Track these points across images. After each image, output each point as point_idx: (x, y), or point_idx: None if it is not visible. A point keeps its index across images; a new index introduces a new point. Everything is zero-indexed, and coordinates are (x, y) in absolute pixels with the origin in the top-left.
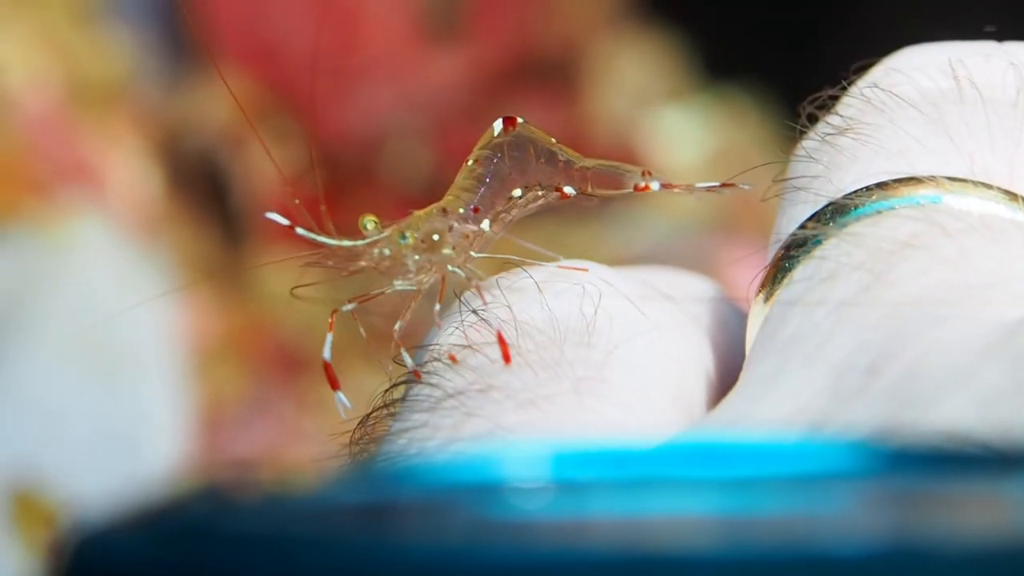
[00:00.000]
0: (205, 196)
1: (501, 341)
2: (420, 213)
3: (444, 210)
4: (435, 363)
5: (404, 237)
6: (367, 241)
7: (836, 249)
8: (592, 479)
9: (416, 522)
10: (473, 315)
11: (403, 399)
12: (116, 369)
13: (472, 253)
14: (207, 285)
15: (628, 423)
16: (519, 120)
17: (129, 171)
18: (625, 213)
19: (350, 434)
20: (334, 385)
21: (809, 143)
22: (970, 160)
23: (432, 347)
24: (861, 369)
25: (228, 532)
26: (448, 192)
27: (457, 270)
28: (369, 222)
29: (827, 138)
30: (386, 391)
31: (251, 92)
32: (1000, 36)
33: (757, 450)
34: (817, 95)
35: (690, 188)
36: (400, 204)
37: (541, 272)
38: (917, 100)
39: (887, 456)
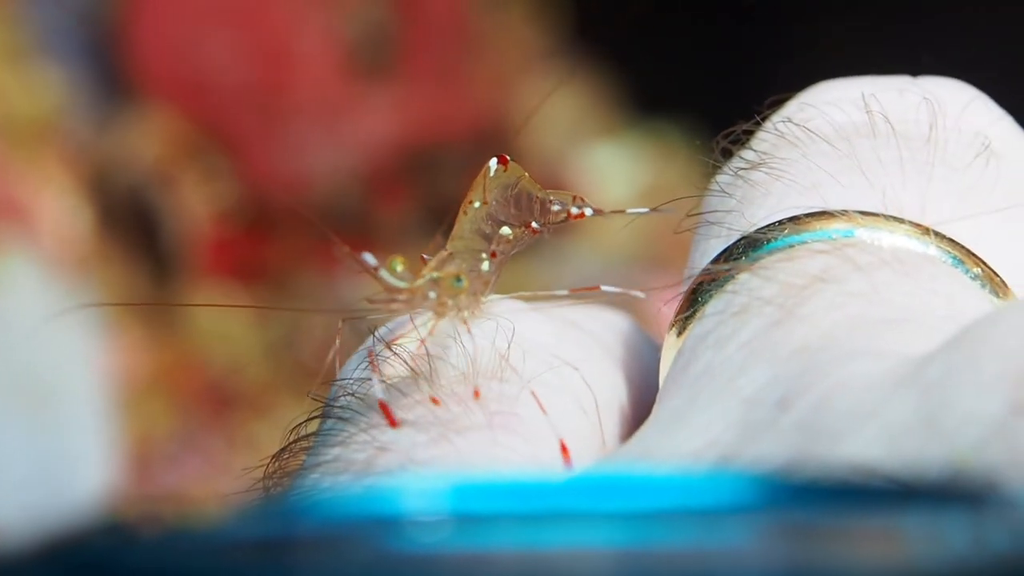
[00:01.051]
0: (135, 233)
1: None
2: (444, 255)
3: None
4: (348, 397)
5: (459, 280)
6: (423, 281)
7: (748, 284)
8: (492, 512)
9: (316, 555)
10: (387, 350)
11: (317, 433)
12: (44, 406)
13: (483, 297)
14: (137, 322)
15: (541, 457)
16: (508, 158)
17: (59, 208)
18: (554, 246)
19: (263, 468)
20: (393, 424)
21: (723, 178)
22: (882, 194)
23: (344, 382)
24: (771, 403)
25: (128, 566)
26: (457, 233)
27: (470, 313)
28: (398, 264)
29: (740, 173)
30: (298, 425)
31: (181, 129)
32: (916, 71)
33: (657, 483)
34: (731, 130)
35: (621, 212)
36: (328, 244)
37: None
38: (830, 135)
39: (786, 490)
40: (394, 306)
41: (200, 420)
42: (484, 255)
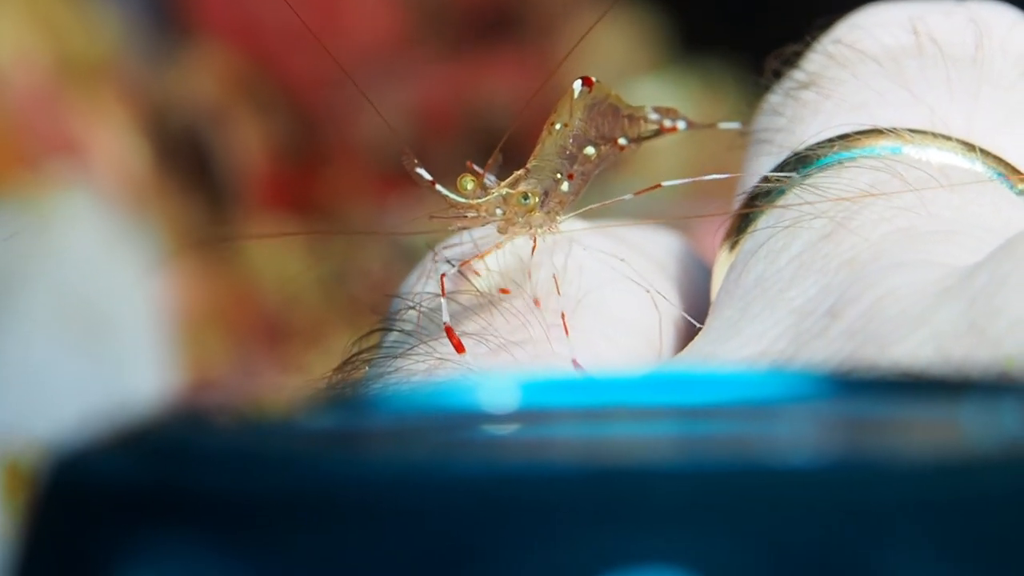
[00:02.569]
0: (191, 169)
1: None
2: (520, 173)
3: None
4: (410, 311)
5: (526, 198)
6: (491, 198)
7: (798, 198)
8: (556, 406)
9: (384, 443)
10: (447, 265)
11: (378, 346)
12: (102, 339)
13: (559, 216)
14: (193, 256)
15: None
16: (594, 79)
17: (116, 145)
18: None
19: (328, 378)
20: (460, 349)
21: (774, 98)
22: (930, 113)
23: (406, 295)
24: (822, 312)
25: (204, 452)
26: (537, 153)
27: (544, 232)
28: (469, 181)
29: (791, 93)
30: (360, 338)
31: (235, 67)
32: None
33: (715, 379)
34: (781, 51)
35: (712, 126)
36: (377, 179)
37: None
38: (878, 55)
39: (842, 384)
40: (459, 223)
41: (255, 352)
42: (560, 175)
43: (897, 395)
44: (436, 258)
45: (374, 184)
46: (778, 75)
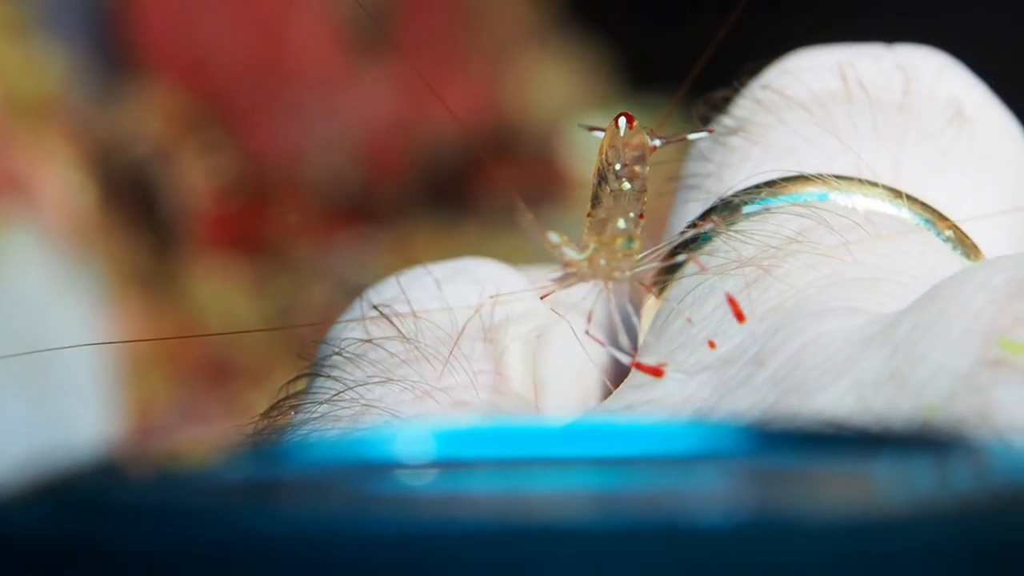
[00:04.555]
0: (136, 207)
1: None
2: (597, 221)
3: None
4: (336, 357)
5: (630, 243)
6: (592, 250)
7: (724, 246)
8: (473, 457)
9: (299, 496)
10: (374, 310)
11: (306, 391)
12: (46, 378)
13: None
14: (137, 294)
15: (523, 415)
16: (634, 117)
17: (61, 183)
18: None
19: (254, 424)
20: (658, 373)
21: (702, 143)
22: (857, 159)
23: (334, 341)
24: (746, 360)
25: (117, 504)
26: (600, 198)
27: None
28: (555, 236)
29: (719, 138)
30: (287, 383)
31: (181, 104)
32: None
33: (633, 431)
34: (709, 96)
35: (684, 139)
36: (326, 217)
37: (442, 268)
38: (807, 101)
39: (758, 437)
40: (572, 280)
41: (199, 391)
42: (634, 215)
43: (812, 449)
44: (364, 303)
45: (321, 222)
46: (706, 120)
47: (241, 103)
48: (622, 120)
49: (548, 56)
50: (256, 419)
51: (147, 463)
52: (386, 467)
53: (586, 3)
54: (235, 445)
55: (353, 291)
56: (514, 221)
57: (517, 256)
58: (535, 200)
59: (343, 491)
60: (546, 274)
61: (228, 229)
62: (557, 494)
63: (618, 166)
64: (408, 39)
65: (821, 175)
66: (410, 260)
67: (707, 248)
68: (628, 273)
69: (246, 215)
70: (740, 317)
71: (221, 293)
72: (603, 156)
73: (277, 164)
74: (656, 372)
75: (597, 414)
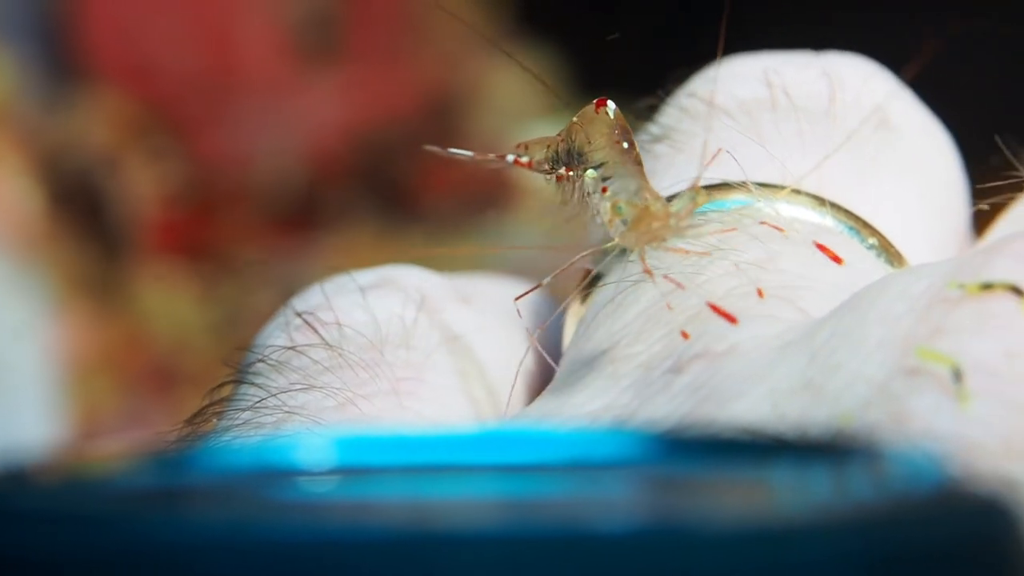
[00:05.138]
0: (84, 214)
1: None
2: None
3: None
4: (259, 364)
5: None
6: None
7: (647, 252)
8: (377, 464)
9: (206, 504)
10: (298, 317)
11: (230, 398)
12: None
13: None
14: (85, 301)
15: (446, 421)
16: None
17: (8, 190)
18: (496, 224)
19: (178, 431)
20: (732, 319)
21: None
22: (782, 166)
23: (258, 348)
24: (666, 368)
25: (20, 511)
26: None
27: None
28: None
29: (644, 146)
30: (212, 390)
31: (129, 112)
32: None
33: (537, 439)
34: (636, 105)
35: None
36: (273, 223)
37: (366, 276)
38: (732, 108)
39: (663, 445)
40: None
41: (145, 397)
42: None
43: (715, 457)
44: (288, 310)
45: (267, 229)
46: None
47: (188, 110)
48: (610, 103)
49: (499, 64)
50: (180, 426)
51: (52, 469)
52: (290, 474)
53: (536, 11)
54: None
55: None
56: (461, 228)
57: (463, 263)
58: (483, 207)
59: (246, 498)
60: (469, 279)
61: (175, 236)
62: (461, 501)
63: (625, 144)
64: (354, 45)
65: (744, 182)
66: (357, 267)
67: (630, 255)
68: (675, 233)
69: (193, 222)
70: (732, 319)
71: (168, 300)
72: (611, 133)
73: (224, 171)
74: (731, 318)
75: (511, 421)
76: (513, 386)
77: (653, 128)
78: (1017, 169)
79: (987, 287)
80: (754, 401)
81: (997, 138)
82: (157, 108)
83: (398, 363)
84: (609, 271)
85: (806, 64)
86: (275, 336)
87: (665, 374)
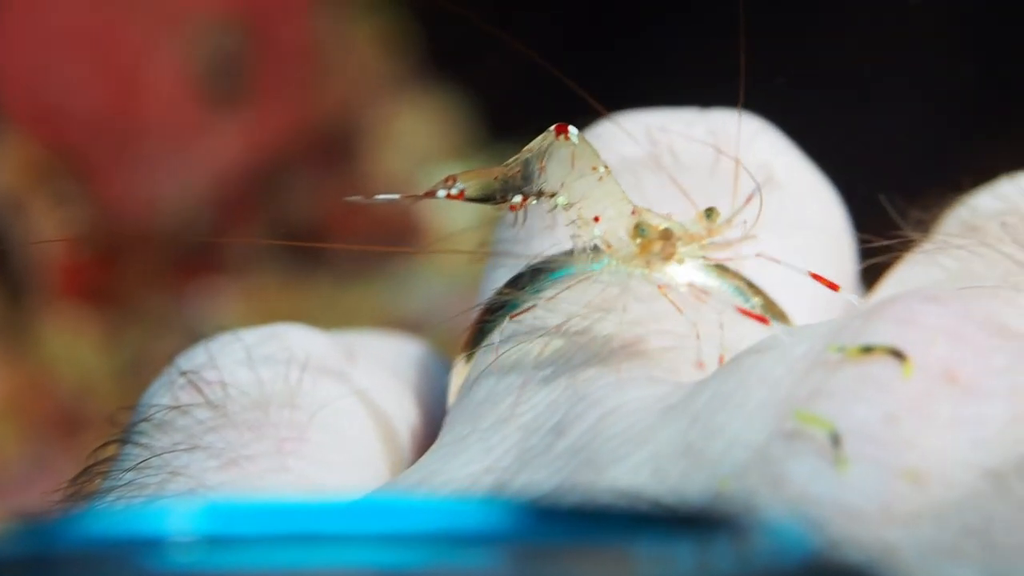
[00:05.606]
0: None
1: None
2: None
3: None
4: (144, 424)
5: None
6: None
7: (531, 312)
8: (245, 533)
9: (71, 571)
10: (182, 376)
11: (115, 458)
12: None
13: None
14: None
15: (328, 483)
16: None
17: None
18: (401, 272)
19: (63, 490)
20: (764, 320)
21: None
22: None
23: (143, 407)
24: (547, 429)
25: None
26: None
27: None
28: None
29: (530, 206)
30: (96, 449)
31: (34, 155)
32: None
33: (409, 508)
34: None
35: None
36: (178, 268)
37: (251, 334)
38: (617, 167)
39: (532, 514)
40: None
41: (49, 442)
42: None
43: (585, 527)
44: (173, 369)
45: (172, 273)
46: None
47: (94, 154)
48: (572, 129)
49: (405, 106)
50: (65, 485)
51: None
52: (158, 542)
53: (443, 53)
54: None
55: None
56: (366, 272)
57: (368, 307)
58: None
59: (114, 567)
60: (355, 338)
61: (80, 280)
62: (327, 572)
63: (602, 169)
64: (259, 88)
65: None
66: (262, 310)
67: (515, 314)
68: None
69: (98, 266)
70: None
71: (72, 344)
72: (583, 163)
73: (129, 214)
74: (763, 320)
75: (387, 488)
76: (398, 445)
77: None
78: (902, 228)
79: (867, 350)
80: (634, 465)
81: (882, 198)
82: (62, 152)
83: (282, 422)
84: (496, 328)
85: (692, 122)
86: (160, 395)
87: (546, 436)
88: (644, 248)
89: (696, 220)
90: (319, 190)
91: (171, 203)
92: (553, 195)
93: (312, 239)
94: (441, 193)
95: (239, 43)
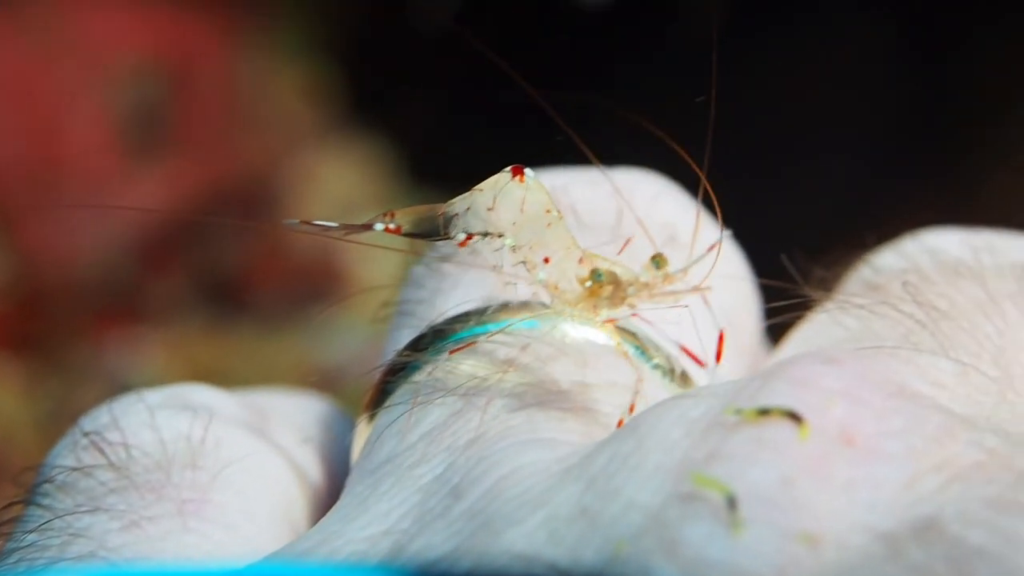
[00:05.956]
0: None
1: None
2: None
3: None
4: (47, 485)
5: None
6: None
7: (431, 376)
8: None
9: None
10: (85, 437)
11: (18, 519)
12: None
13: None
14: None
15: (231, 543)
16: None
17: None
18: (322, 322)
19: None
20: (700, 363)
21: (418, 269)
22: None
23: (46, 468)
24: (446, 492)
25: None
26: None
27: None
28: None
29: (432, 265)
30: (3, 509)
31: None
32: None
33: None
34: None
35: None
36: (100, 317)
37: (155, 395)
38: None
39: None
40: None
41: None
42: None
43: None
44: (76, 430)
45: (94, 322)
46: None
47: (14, 202)
48: (528, 171)
49: (328, 154)
50: None
51: None
52: None
53: (367, 102)
54: None
55: (126, 391)
56: (289, 322)
57: (289, 357)
58: (312, 299)
59: None
60: (259, 397)
61: (1, 329)
62: None
63: (554, 212)
64: (182, 136)
65: (530, 303)
66: (184, 360)
67: (415, 376)
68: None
69: (18, 315)
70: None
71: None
72: (536, 206)
73: (50, 263)
74: (699, 362)
75: (286, 551)
76: (301, 504)
77: (443, 247)
78: (803, 288)
79: (764, 413)
80: (531, 528)
81: (784, 257)
82: None
83: (184, 484)
84: (397, 390)
85: (595, 182)
86: (63, 456)
87: (444, 498)
88: (593, 292)
89: (644, 268)
90: (242, 239)
91: (92, 252)
92: (501, 235)
93: (235, 288)
94: (379, 226)
95: (161, 92)
